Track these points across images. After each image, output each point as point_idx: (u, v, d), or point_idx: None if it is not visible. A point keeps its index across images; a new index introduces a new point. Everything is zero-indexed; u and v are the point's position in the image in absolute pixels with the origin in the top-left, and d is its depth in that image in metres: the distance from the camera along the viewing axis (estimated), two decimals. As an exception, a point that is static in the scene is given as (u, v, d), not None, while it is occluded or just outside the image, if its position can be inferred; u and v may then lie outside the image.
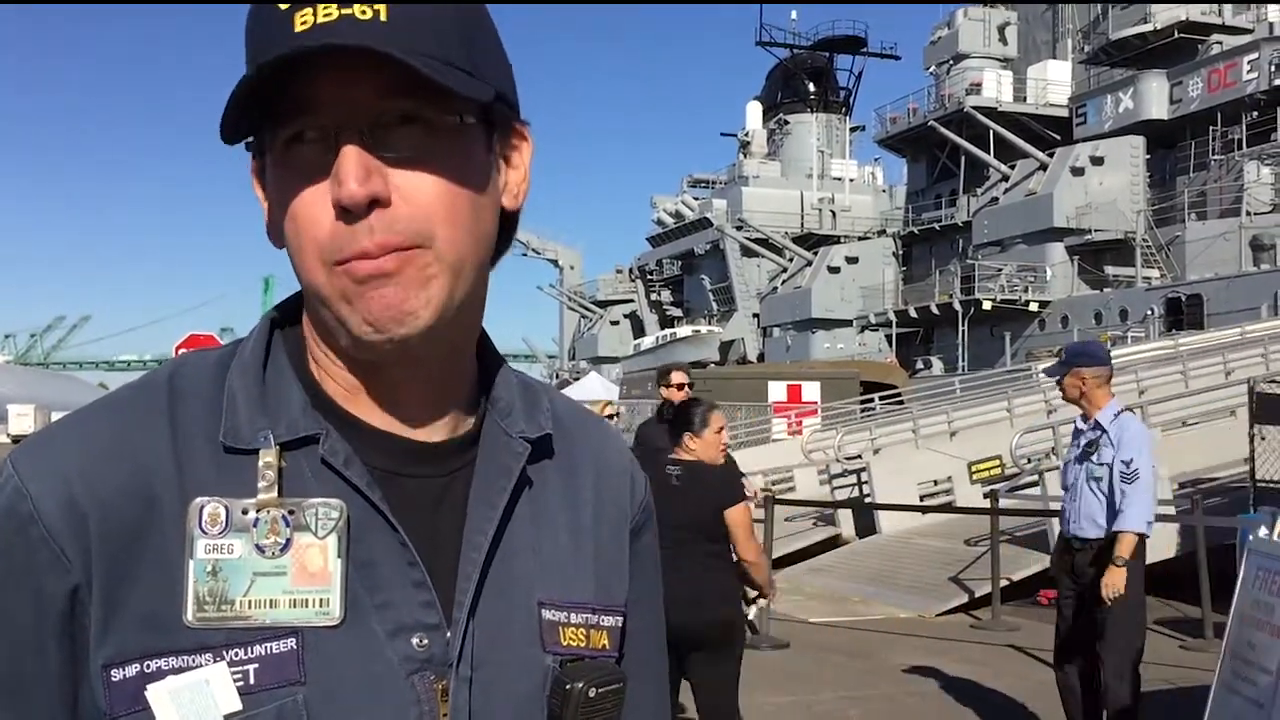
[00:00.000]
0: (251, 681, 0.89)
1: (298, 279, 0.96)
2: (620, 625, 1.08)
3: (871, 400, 23.07)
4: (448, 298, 0.94)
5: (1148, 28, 40.30)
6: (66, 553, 0.89)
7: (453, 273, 0.94)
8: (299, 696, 0.89)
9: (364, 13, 0.89)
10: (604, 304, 73.35)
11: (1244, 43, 37.47)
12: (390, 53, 0.87)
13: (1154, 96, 39.22)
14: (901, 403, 23.24)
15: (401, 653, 0.93)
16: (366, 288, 0.91)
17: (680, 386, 7.23)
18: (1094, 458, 5.91)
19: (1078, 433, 6.17)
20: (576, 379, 42.30)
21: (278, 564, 0.91)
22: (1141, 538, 5.74)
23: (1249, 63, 36.31)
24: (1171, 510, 10.94)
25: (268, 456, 0.93)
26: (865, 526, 15.53)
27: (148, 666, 0.88)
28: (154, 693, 0.87)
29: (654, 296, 68.74)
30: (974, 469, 15.74)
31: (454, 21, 0.94)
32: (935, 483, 16.09)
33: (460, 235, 0.94)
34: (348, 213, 0.89)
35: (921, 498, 15.76)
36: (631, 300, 70.97)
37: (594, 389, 30.79)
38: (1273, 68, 35.58)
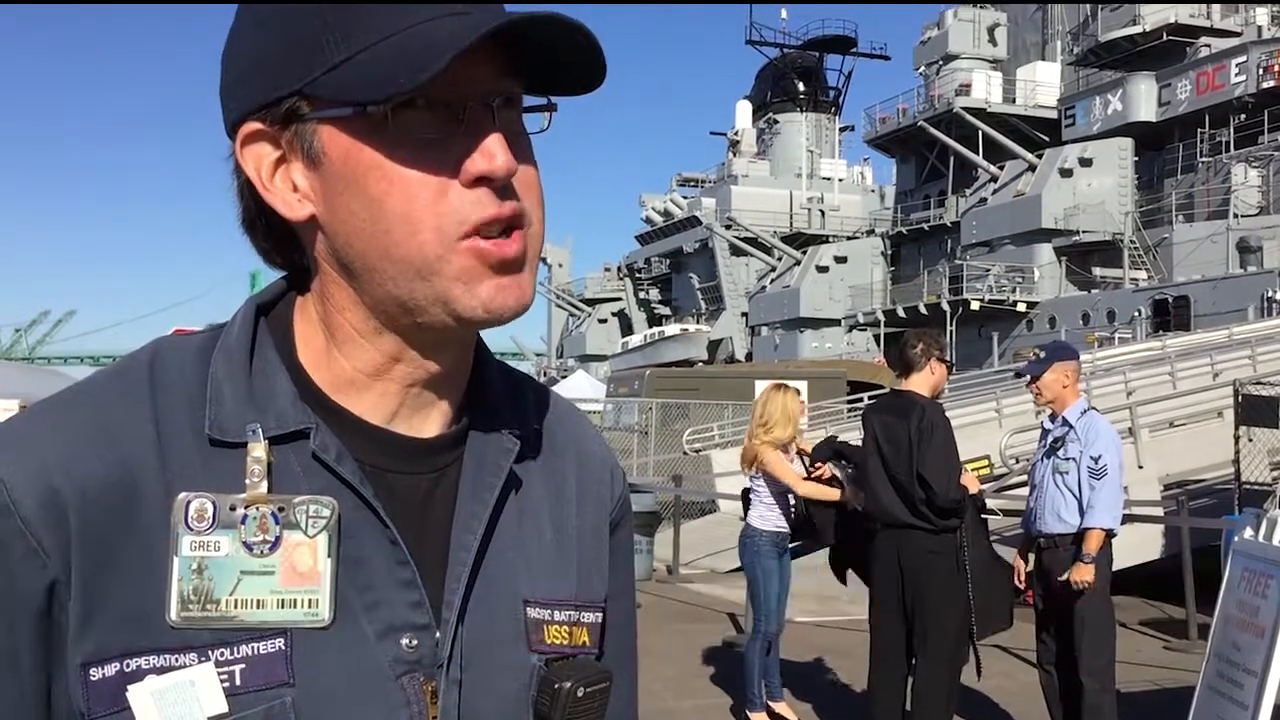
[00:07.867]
0: (238, 682, 0.86)
1: (368, 253, 0.89)
2: (600, 621, 1.06)
3: (859, 400, 23.06)
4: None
5: (1136, 30, 40.43)
6: (44, 546, 0.84)
7: (539, 258, 0.96)
8: (287, 699, 0.87)
9: None
10: (592, 302, 73.32)
11: (1232, 45, 37.64)
12: (597, 44, 0.90)
13: (1142, 98, 39.36)
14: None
15: (391, 654, 0.91)
16: (500, 276, 0.90)
17: None
18: (1060, 453, 5.95)
19: (1045, 431, 6.23)
20: (564, 377, 42.25)
21: (265, 563, 0.88)
22: (1109, 534, 5.77)
23: (1237, 65, 36.48)
24: (1158, 511, 10.97)
25: (256, 451, 0.89)
26: (853, 526, 15.50)
27: (128, 665, 0.84)
28: (135, 693, 0.84)
29: (642, 295, 68.73)
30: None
31: None
32: (923, 482, 16.06)
33: (542, 219, 0.96)
34: (482, 183, 0.89)
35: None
36: (620, 298, 70.96)
37: (581, 387, 30.75)
38: (1260, 70, 35.75)
